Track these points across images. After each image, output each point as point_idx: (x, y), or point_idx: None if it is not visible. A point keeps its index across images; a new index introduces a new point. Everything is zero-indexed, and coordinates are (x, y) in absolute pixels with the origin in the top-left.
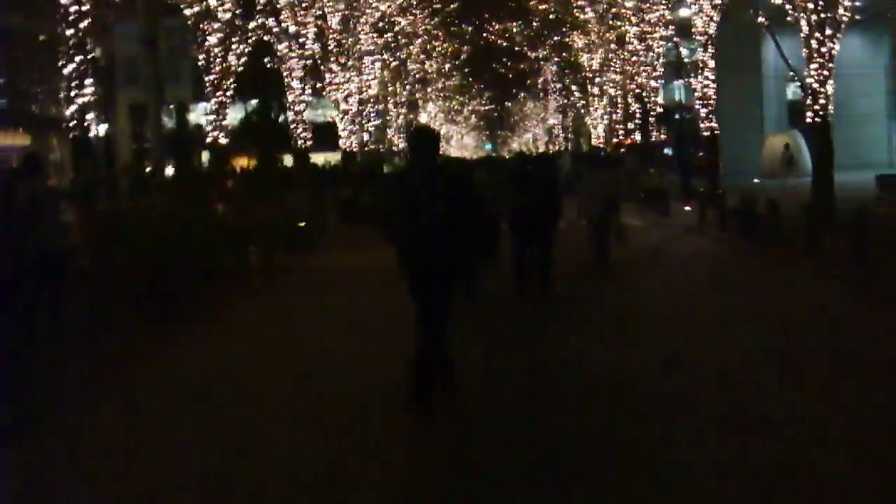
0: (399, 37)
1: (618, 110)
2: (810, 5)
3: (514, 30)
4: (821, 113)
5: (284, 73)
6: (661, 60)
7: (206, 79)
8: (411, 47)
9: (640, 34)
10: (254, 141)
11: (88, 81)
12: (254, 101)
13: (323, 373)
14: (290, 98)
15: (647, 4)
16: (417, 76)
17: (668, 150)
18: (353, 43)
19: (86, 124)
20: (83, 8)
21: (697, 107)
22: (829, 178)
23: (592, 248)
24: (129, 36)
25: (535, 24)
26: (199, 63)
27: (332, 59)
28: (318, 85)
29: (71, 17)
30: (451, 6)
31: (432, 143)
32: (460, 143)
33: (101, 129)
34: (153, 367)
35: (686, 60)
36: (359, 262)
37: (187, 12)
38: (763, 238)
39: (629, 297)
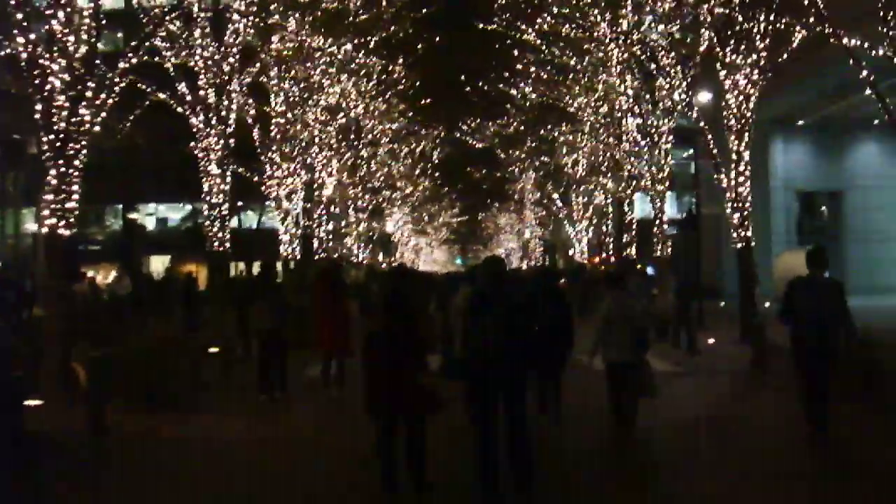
0: (362, 130)
1: (607, 221)
2: None
3: (492, 128)
4: None
5: (200, 155)
6: (668, 159)
7: (45, 138)
8: (374, 143)
9: (643, 126)
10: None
11: None
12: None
13: None
14: (206, 187)
15: (656, 86)
16: (381, 179)
17: (650, 270)
18: (301, 129)
19: None
20: None
21: (728, 211)
22: None
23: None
24: None
25: (514, 122)
26: (36, 117)
27: (273, 147)
28: (255, 179)
29: None
30: (423, 102)
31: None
32: (430, 256)
33: None
34: None
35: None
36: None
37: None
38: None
39: None
